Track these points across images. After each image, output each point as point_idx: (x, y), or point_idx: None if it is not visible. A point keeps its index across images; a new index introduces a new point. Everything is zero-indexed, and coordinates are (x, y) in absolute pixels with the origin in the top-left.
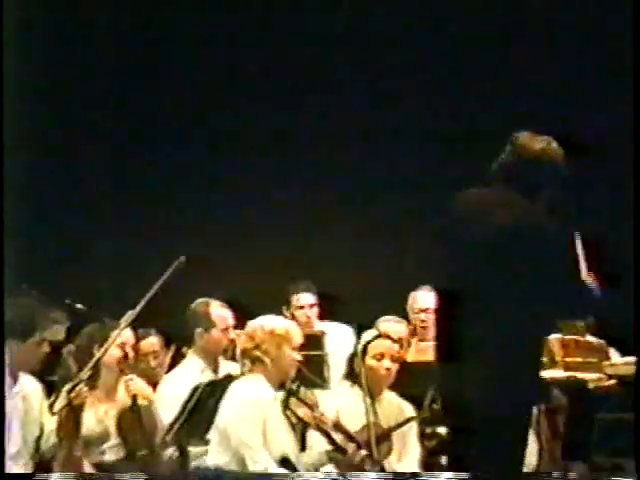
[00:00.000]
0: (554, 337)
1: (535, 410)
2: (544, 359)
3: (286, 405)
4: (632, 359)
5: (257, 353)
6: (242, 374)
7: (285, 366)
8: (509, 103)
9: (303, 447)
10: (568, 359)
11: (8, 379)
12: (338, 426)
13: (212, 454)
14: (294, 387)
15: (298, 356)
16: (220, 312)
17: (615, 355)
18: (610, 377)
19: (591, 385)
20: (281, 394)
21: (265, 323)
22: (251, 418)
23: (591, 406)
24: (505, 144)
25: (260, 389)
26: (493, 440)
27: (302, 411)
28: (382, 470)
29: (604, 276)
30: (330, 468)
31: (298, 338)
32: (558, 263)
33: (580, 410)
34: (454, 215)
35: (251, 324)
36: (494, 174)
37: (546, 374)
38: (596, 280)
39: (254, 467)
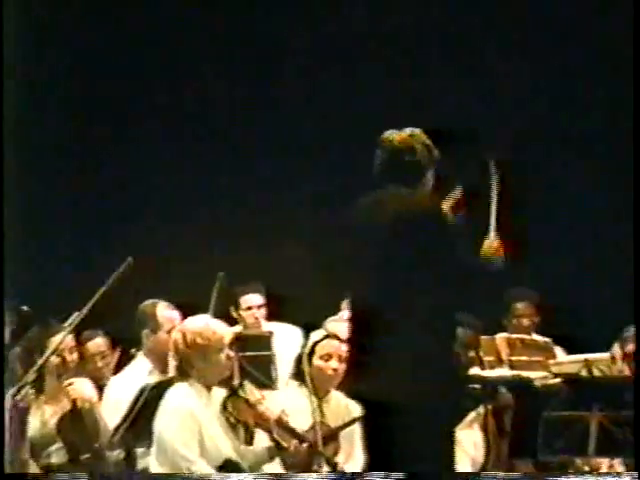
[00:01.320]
0: (500, 336)
1: (482, 408)
2: (490, 358)
3: (224, 406)
4: (577, 357)
5: (186, 357)
6: (174, 379)
7: (215, 370)
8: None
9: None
10: (514, 358)
11: None
12: (282, 424)
13: (153, 466)
14: (236, 386)
15: (230, 355)
16: (167, 313)
17: (561, 353)
18: (556, 375)
19: (537, 383)
20: (218, 396)
21: (187, 330)
22: (185, 428)
23: (537, 404)
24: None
25: (192, 395)
26: (422, 439)
27: (243, 410)
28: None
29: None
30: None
31: (226, 339)
32: (454, 245)
33: (526, 408)
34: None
35: (179, 327)
36: (379, 176)
37: (492, 373)
38: (502, 251)
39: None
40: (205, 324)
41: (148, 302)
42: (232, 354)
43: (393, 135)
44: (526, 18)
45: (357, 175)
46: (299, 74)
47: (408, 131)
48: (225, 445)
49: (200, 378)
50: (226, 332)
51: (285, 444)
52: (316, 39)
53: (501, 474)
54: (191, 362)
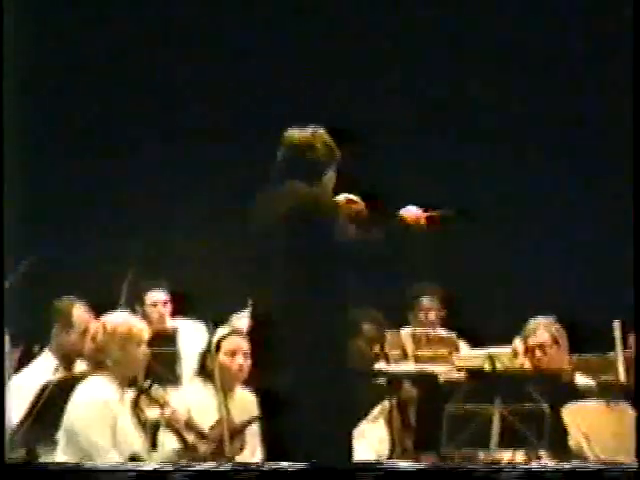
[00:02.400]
0: (405, 331)
1: (387, 402)
2: (396, 352)
3: (135, 404)
4: (481, 351)
5: (100, 353)
6: (88, 374)
7: (131, 364)
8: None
9: (154, 445)
10: (419, 352)
11: None
12: (189, 424)
13: (60, 455)
14: (145, 385)
15: (145, 352)
16: (83, 313)
17: (465, 347)
18: (459, 369)
19: (441, 377)
20: (130, 393)
21: (107, 322)
22: (99, 419)
23: (441, 398)
24: None
25: (106, 390)
26: (325, 435)
27: (152, 409)
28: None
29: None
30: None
31: (144, 334)
32: (355, 242)
33: (430, 402)
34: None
35: (94, 324)
36: (280, 173)
37: (397, 367)
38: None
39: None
40: (125, 318)
41: (65, 300)
42: (148, 350)
43: (294, 133)
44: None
45: (261, 173)
46: (194, 73)
47: (310, 129)
48: (135, 441)
49: (116, 372)
50: (145, 327)
51: (192, 444)
52: (216, 38)
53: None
54: (108, 354)
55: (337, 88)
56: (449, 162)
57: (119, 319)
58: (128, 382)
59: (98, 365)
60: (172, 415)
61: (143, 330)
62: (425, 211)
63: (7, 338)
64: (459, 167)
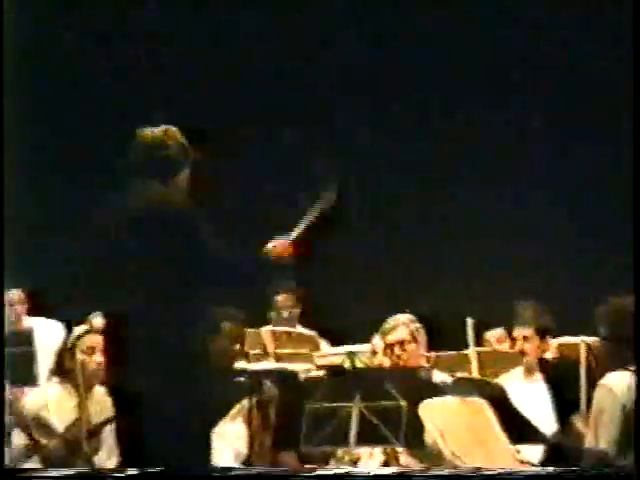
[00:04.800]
0: (266, 329)
1: (246, 401)
2: (256, 351)
3: None
4: (340, 349)
5: None
6: None
7: None
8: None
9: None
10: (279, 350)
11: None
12: (39, 421)
13: None
14: None
15: None
16: None
17: (324, 345)
18: (320, 367)
19: (301, 376)
20: None
21: None
22: None
23: (301, 396)
24: None
25: None
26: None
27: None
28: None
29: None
30: None
31: None
32: (205, 243)
33: (290, 400)
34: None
35: None
36: (132, 173)
37: (257, 366)
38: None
39: None
40: None
41: None
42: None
43: (146, 131)
44: None
45: (115, 172)
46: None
47: (162, 128)
48: None
49: None
50: None
51: (43, 442)
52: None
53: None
54: None
55: (192, 87)
56: (306, 161)
57: None
58: None
59: None
60: (20, 413)
61: None
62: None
63: None
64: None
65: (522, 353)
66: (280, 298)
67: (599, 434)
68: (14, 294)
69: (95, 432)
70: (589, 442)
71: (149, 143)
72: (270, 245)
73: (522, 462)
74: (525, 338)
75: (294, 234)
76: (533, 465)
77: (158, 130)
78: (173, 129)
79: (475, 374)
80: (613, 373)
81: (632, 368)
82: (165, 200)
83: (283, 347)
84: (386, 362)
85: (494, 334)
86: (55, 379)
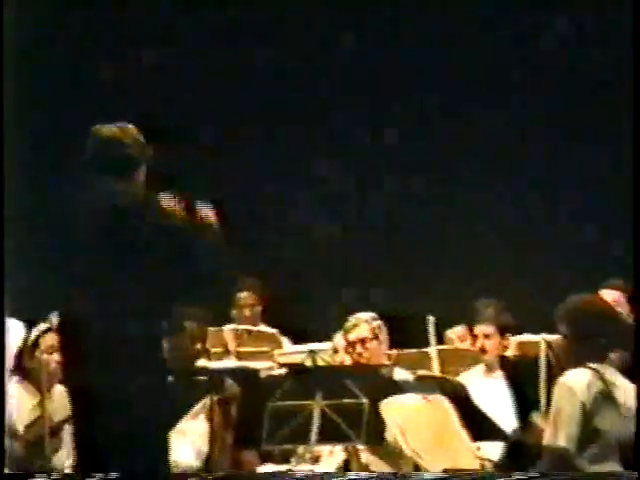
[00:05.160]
0: (228, 327)
1: (208, 399)
2: (217, 349)
3: None
4: (302, 347)
5: None
6: None
7: None
8: None
9: None
10: (241, 349)
11: None
12: None
13: None
14: None
15: None
16: None
17: (287, 344)
18: (281, 365)
19: (263, 374)
20: None
21: None
22: None
23: (262, 394)
24: None
25: None
26: (143, 436)
27: None
28: None
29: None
30: None
31: None
32: (166, 239)
33: (252, 399)
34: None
35: None
36: (89, 170)
37: (219, 364)
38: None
39: None
40: None
41: None
42: None
43: (102, 128)
44: None
45: (73, 170)
46: None
47: (119, 125)
48: None
49: None
50: None
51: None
52: None
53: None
54: None
55: (149, 85)
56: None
57: None
58: None
59: None
60: None
61: None
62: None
63: None
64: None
65: (483, 351)
66: (242, 296)
67: (558, 431)
68: None
69: (56, 431)
70: (548, 439)
71: (105, 140)
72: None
73: (482, 459)
74: (486, 336)
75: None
76: (492, 462)
77: (114, 128)
78: (129, 126)
79: (436, 372)
80: (572, 371)
81: (592, 366)
82: (123, 197)
83: (245, 345)
84: (348, 360)
85: (455, 332)
86: (15, 378)
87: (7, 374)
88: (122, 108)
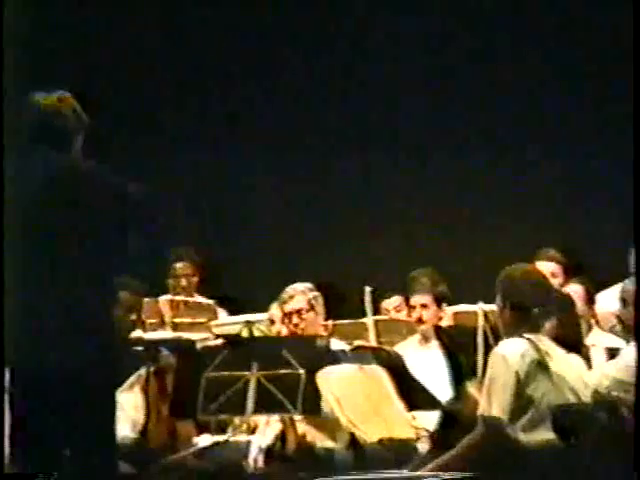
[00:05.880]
0: (164, 298)
1: (143, 370)
2: (153, 320)
3: None
4: (238, 318)
5: None
6: None
7: None
8: None
9: None
10: (177, 320)
11: None
12: None
13: None
14: None
15: None
16: None
17: (223, 315)
18: (217, 336)
19: (199, 345)
20: None
21: None
22: None
23: (199, 365)
24: None
25: None
26: (81, 408)
27: None
28: None
29: None
30: None
31: None
32: (110, 210)
33: (188, 369)
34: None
35: None
36: (26, 139)
37: (154, 335)
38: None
39: None
40: None
41: None
42: None
43: (40, 98)
44: None
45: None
46: None
47: (56, 95)
48: None
49: None
50: None
51: None
52: None
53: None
54: None
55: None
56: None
57: None
58: None
59: None
60: None
61: None
62: None
63: None
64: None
65: (420, 321)
66: (178, 266)
67: (492, 401)
68: None
69: None
70: (482, 409)
71: (43, 110)
72: None
73: (417, 428)
74: (423, 306)
75: None
76: (427, 431)
77: (53, 96)
78: (67, 95)
79: (372, 342)
80: (507, 340)
81: (526, 335)
82: (61, 167)
83: (181, 316)
84: (284, 331)
85: (391, 302)
86: None
87: None
88: (59, 76)
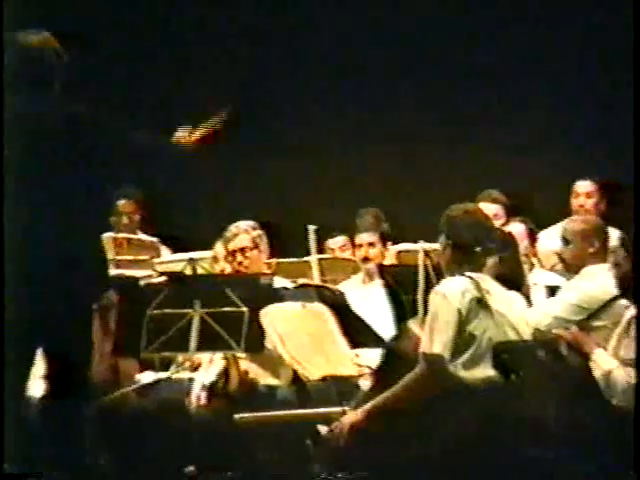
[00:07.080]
0: (107, 235)
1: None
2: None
3: None
4: (182, 256)
5: None
6: None
7: None
8: None
9: None
10: (120, 257)
11: None
12: None
13: None
14: None
15: None
16: None
17: (166, 252)
18: (161, 274)
19: (142, 282)
20: None
21: None
22: None
23: (142, 303)
24: None
25: None
26: None
27: None
28: None
29: None
30: None
31: None
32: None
33: (131, 307)
34: None
35: None
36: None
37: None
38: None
39: None
40: None
41: None
42: None
43: (20, 35)
44: None
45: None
46: None
47: (36, 32)
48: None
49: None
50: None
51: None
52: None
53: None
54: None
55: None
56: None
57: None
58: None
59: None
60: None
61: None
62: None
63: None
64: None
65: (366, 259)
66: (121, 203)
67: (433, 338)
68: None
69: None
70: (424, 346)
71: (26, 49)
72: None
73: (360, 366)
74: (370, 244)
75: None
76: (370, 369)
77: (33, 35)
78: (46, 34)
79: (316, 281)
80: (448, 279)
81: (467, 274)
82: (42, 106)
83: (124, 254)
84: (228, 269)
85: (337, 242)
86: None
87: None
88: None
